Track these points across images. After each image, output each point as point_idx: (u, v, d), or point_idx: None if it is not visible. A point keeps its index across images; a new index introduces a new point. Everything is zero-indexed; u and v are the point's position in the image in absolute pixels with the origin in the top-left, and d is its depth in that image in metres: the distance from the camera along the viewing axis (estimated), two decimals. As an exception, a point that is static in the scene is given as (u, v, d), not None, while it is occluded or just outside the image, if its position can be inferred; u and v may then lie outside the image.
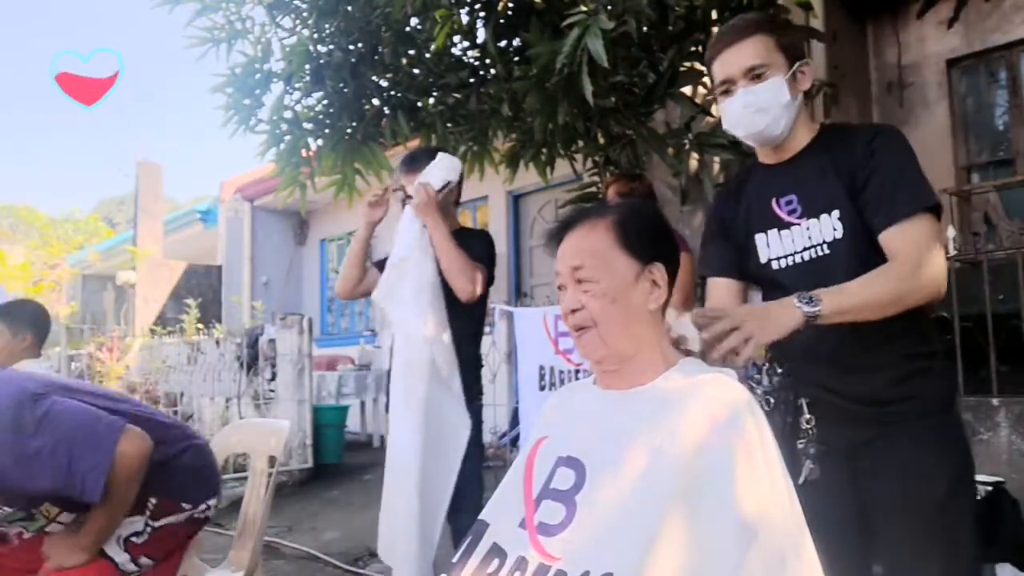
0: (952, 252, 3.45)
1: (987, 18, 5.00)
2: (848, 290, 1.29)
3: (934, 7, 3.06)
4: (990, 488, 2.40)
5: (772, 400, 1.42)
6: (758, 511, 0.96)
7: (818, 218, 1.44)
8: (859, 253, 1.39)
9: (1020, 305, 3.25)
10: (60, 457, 1.56)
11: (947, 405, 1.43)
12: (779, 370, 1.38)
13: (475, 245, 2.36)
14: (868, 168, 1.38)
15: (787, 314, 1.24)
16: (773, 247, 1.50)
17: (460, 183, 2.49)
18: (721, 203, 1.68)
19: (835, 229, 1.42)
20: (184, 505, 1.81)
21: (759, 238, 1.52)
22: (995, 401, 3.20)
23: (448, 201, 2.44)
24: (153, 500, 1.77)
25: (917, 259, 1.31)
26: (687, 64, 3.10)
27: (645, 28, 2.80)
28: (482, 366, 2.55)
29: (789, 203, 1.48)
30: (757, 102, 1.42)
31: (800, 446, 1.34)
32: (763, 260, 1.52)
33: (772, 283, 1.51)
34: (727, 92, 1.46)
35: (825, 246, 1.43)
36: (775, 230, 1.49)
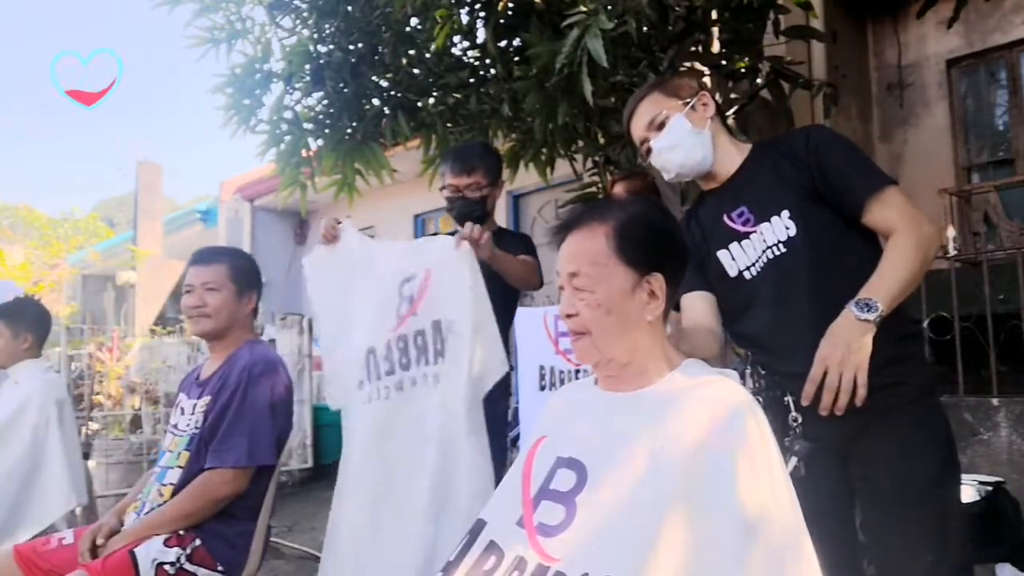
0: (952, 252, 3.45)
1: (987, 18, 5.00)
2: (888, 277, 1.35)
3: (934, 7, 3.06)
4: (990, 488, 2.40)
5: (760, 400, 1.43)
6: (758, 512, 0.96)
7: (769, 221, 1.50)
8: (815, 246, 1.45)
9: (1020, 305, 3.25)
10: (242, 419, 1.85)
11: (929, 391, 1.47)
12: (763, 371, 1.41)
13: (518, 247, 2.33)
14: (817, 166, 1.47)
15: (860, 330, 1.30)
16: (739, 259, 1.55)
17: (501, 181, 2.46)
18: (684, 228, 1.70)
19: (787, 228, 1.48)
20: (219, 567, 1.83)
21: (722, 255, 1.58)
22: (995, 401, 3.20)
23: (496, 198, 2.42)
24: (197, 542, 1.80)
25: (912, 220, 1.39)
26: (687, 64, 3.10)
27: (645, 28, 2.80)
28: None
29: (740, 215, 1.55)
30: (666, 143, 1.56)
31: (787, 443, 1.36)
32: (733, 274, 1.56)
33: (749, 293, 1.54)
34: (648, 152, 1.61)
35: (781, 245, 1.48)
36: (735, 243, 1.56)
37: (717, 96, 3.40)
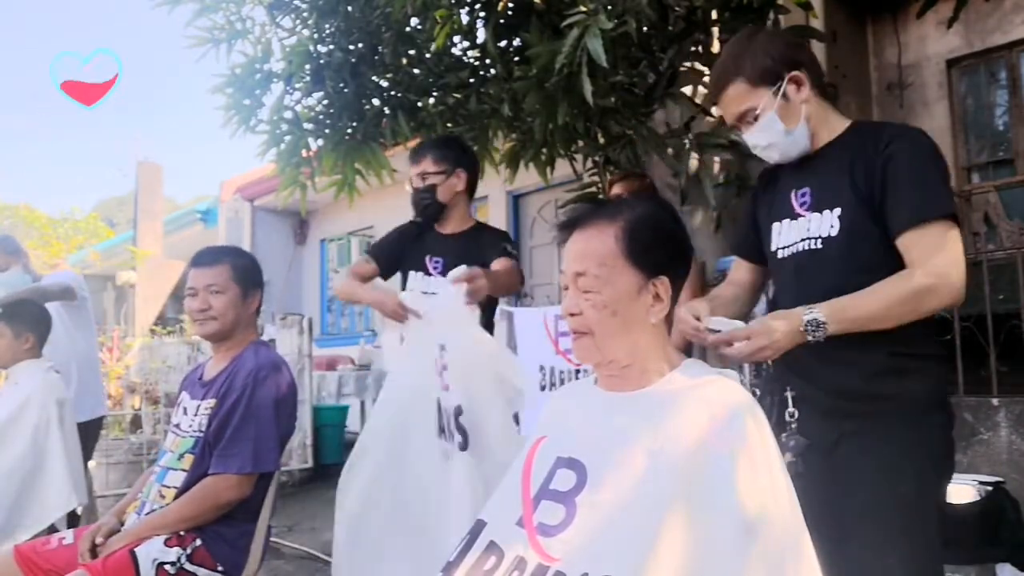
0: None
1: (987, 18, 4.99)
2: (856, 304, 1.32)
3: (934, 7, 3.05)
4: (990, 488, 2.40)
5: (757, 392, 1.44)
6: (758, 512, 0.96)
7: (821, 213, 1.47)
8: (852, 253, 1.41)
9: (1020, 305, 3.25)
10: (248, 425, 1.85)
11: (926, 407, 1.42)
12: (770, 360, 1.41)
13: (496, 247, 2.30)
14: (882, 172, 1.39)
15: (792, 339, 1.30)
16: (783, 236, 1.54)
17: (474, 174, 2.42)
18: (759, 187, 1.72)
19: (832, 226, 1.44)
20: (219, 567, 1.83)
21: (775, 227, 1.57)
22: (995, 401, 3.20)
23: (454, 188, 2.35)
24: (198, 542, 1.80)
25: (932, 267, 1.31)
26: (687, 64, 3.10)
27: (645, 28, 2.80)
28: None
29: (803, 195, 1.52)
30: (760, 141, 1.51)
31: (783, 439, 1.36)
32: (773, 248, 1.56)
33: (777, 271, 1.57)
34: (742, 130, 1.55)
35: (819, 241, 1.46)
36: (788, 220, 1.54)
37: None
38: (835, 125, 1.52)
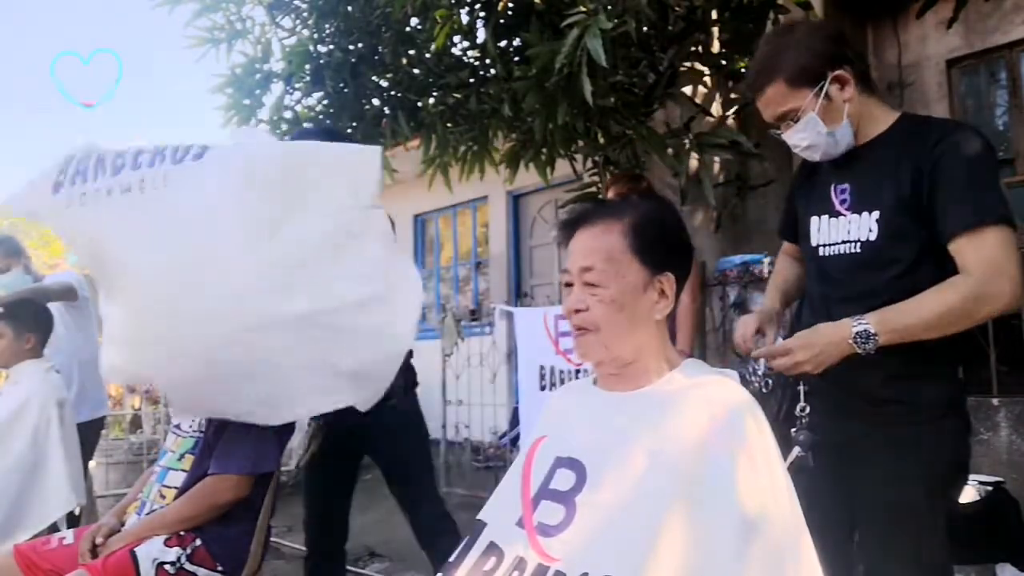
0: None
1: (987, 18, 4.99)
2: (909, 309, 1.29)
3: (934, 7, 3.06)
4: (990, 488, 2.40)
5: (770, 382, 1.43)
6: (758, 512, 0.96)
7: (860, 215, 1.44)
8: (891, 257, 1.38)
9: (1020, 305, 3.25)
10: (248, 426, 1.80)
11: (942, 412, 1.40)
12: None
13: None
14: (931, 174, 1.33)
15: (840, 351, 1.30)
16: (822, 233, 1.52)
17: None
18: (800, 175, 1.68)
19: (871, 230, 1.41)
20: (219, 567, 1.83)
21: (813, 221, 1.54)
22: (995, 401, 3.20)
23: None
24: (198, 542, 1.80)
25: (987, 272, 1.27)
26: (687, 64, 3.10)
27: (645, 28, 2.80)
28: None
29: (843, 192, 1.48)
30: (802, 142, 1.45)
31: (792, 432, 1.35)
32: (813, 243, 1.54)
33: (817, 267, 1.53)
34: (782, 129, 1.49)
35: (858, 245, 1.43)
36: (827, 216, 1.51)
37: (717, 96, 3.42)
38: (881, 119, 1.45)
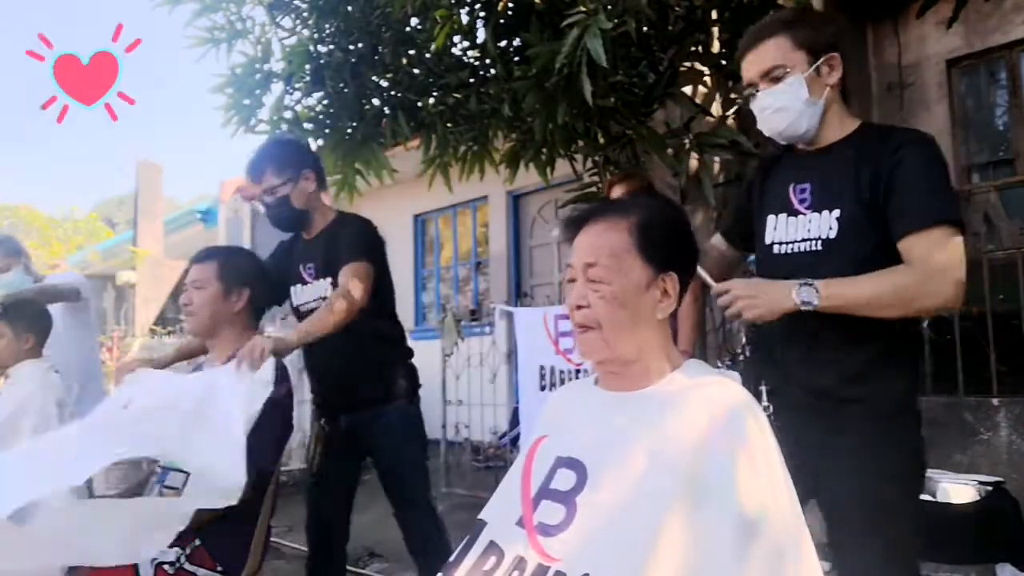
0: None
1: (987, 18, 4.99)
2: (852, 282, 1.33)
3: (934, 7, 3.06)
4: (990, 488, 2.40)
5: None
6: (758, 512, 0.96)
7: (820, 213, 1.46)
8: (851, 256, 1.41)
9: (1020, 305, 3.25)
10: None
11: (901, 408, 1.43)
12: (739, 353, 1.42)
13: (351, 249, 2.17)
14: (890, 177, 1.38)
15: (781, 299, 1.31)
16: (778, 231, 1.54)
17: (319, 169, 2.31)
18: (756, 176, 1.71)
19: (831, 228, 1.44)
20: (219, 567, 1.81)
21: (770, 219, 1.56)
22: (995, 401, 3.20)
23: (307, 191, 2.24)
24: (197, 542, 1.78)
25: (930, 267, 1.32)
26: (687, 64, 3.10)
27: (645, 28, 2.80)
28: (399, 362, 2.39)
29: (803, 191, 1.50)
30: (775, 103, 1.47)
31: None
32: (767, 241, 1.56)
33: (771, 266, 1.55)
34: (752, 95, 1.51)
35: (819, 243, 1.46)
36: (784, 215, 1.53)
37: (717, 96, 3.42)
38: (846, 124, 1.51)
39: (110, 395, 2.12)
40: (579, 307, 1.14)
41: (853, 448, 1.40)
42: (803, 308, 1.31)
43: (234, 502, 1.59)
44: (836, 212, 1.44)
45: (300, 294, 2.33)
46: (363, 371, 2.23)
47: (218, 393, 1.77)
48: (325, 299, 2.18)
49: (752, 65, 1.49)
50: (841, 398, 1.42)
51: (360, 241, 2.21)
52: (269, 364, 1.82)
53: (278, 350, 1.85)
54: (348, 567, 3.24)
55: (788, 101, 1.45)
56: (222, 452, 1.64)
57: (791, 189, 1.52)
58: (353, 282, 2.09)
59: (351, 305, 2.05)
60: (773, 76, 1.46)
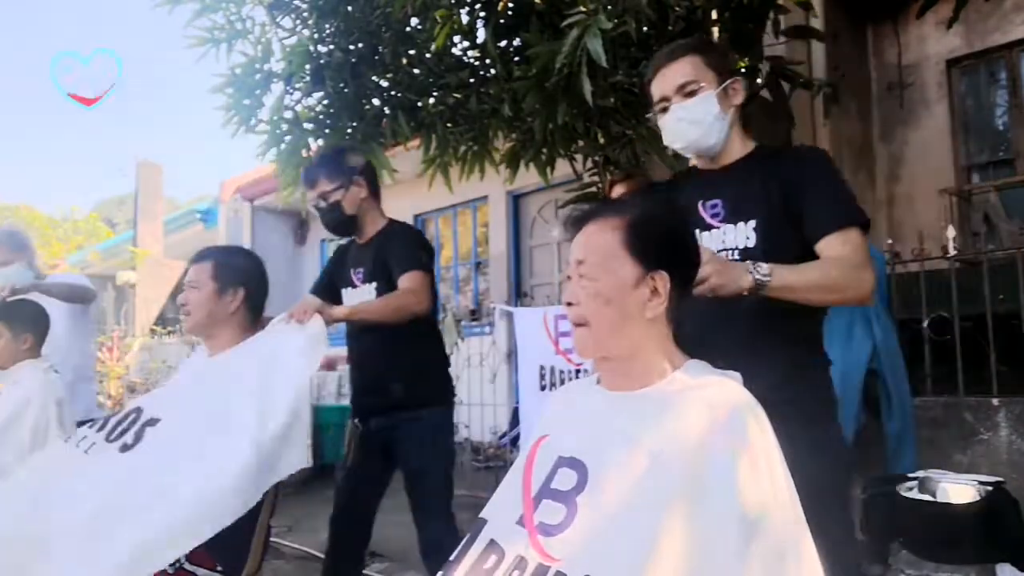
0: (952, 252, 3.45)
1: (987, 18, 5.00)
2: (793, 269, 1.38)
3: (934, 7, 3.06)
4: (990, 488, 2.40)
5: None
6: (759, 512, 0.96)
7: (736, 225, 1.53)
8: (770, 262, 1.43)
9: (1020, 305, 3.25)
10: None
11: (827, 413, 1.51)
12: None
13: (400, 248, 2.26)
14: (799, 182, 1.49)
15: (741, 275, 1.33)
16: None
17: (372, 176, 2.40)
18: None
19: (748, 238, 1.50)
20: (219, 567, 1.81)
21: None
22: (995, 401, 3.20)
23: (358, 197, 2.34)
24: None
25: (856, 261, 1.42)
26: (687, 64, 3.09)
27: (645, 28, 2.80)
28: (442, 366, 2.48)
29: (714, 207, 1.57)
30: (690, 115, 1.55)
31: None
32: None
33: None
34: (664, 110, 1.59)
35: (736, 252, 1.51)
36: (696, 230, 1.57)
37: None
38: (747, 144, 1.62)
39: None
40: (570, 304, 1.15)
41: (792, 441, 1.41)
42: (758, 287, 1.33)
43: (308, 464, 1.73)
44: (752, 222, 1.50)
45: (349, 297, 2.40)
46: (397, 374, 2.27)
47: (277, 360, 1.84)
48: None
49: (667, 80, 1.58)
50: (770, 400, 1.43)
51: (414, 251, 2.29)
52: (317, 319, 1.90)
53: (323, 313, 1.93)
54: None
55: (701, 114, 1.54)
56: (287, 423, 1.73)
57: (700, 206, 1.59)
58: (413, 289, 2.17)
59: (409, 305, 2.14)
60: (688, 91, 1.55)
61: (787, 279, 1.35)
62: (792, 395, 1.41)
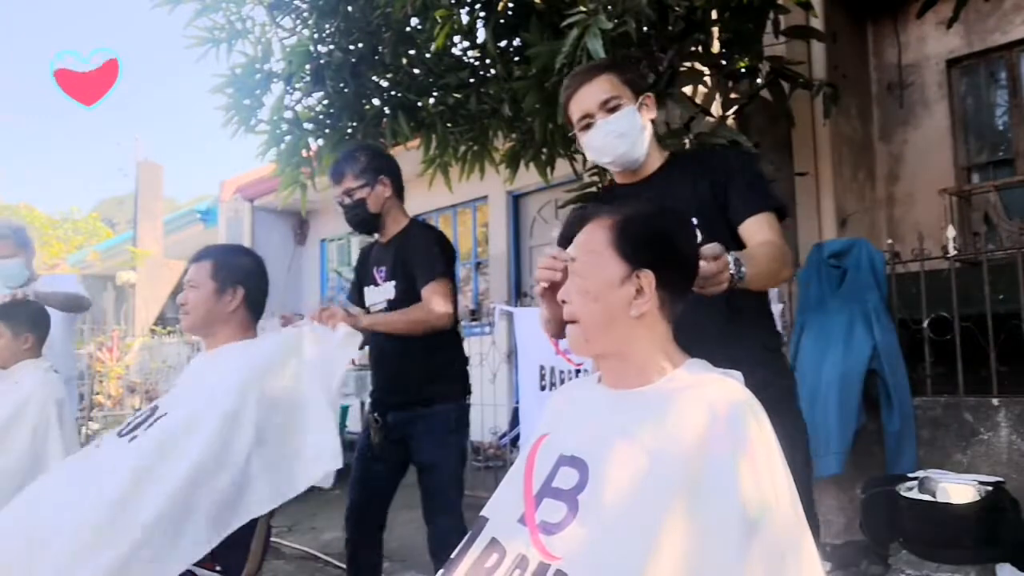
0: (952, 252, 3.45)
1: (987, 18, 5.00)
2: (754, 258, 1.41)
3: (934, 7, 3.06)
4: (990, 488, 2.40)
5: None
6: (760, 511, 0.96)
7: None
8: None
9: (1020, 305, 3.24)
10: None
11: (791, 399, 1.61)
12: None
13: (422, 254, 2.28)
14: (725, 180, 1.61)
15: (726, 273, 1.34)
16: None
17: (398, 176, 2.42)
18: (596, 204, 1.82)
19: (696, 235, 1.51)
20: (218, 568, 1.81)
21: None
22: (995, 401, 3.20)
23: (383, 196, 2.36)
24: None
25: (781, 241, 1.54)
26: (687, 64, 3.10)
27: (645, 28, 2.80)
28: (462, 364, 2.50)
29: None
30: (617, 128, 1.62)
31: None
32: None
33: None
34: (587, 127, 1.65)
35: None
36: None
37: (717, 96, 3.43)
38: (662, 155, 1.73)
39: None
40: (563, 301, 1.18)
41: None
42: (738, 281, 1.32)
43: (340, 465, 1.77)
44: (694, 220, 1.53)
45: (371, 295, 2.45)
46: (415, 372, 2.29)
47: (303, 368, 1.88)
48: (391, 301, 2.32)
49: (589, 97, 1.64)
50: (755, 384, 1.46)
51: (436, 257, 2.30)
52: (343, 327, 1.93)
53: (348, 322, 1.96)
54: (345, 567, 3.25)
55: (627, 127, 1.62)
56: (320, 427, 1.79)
57: None
58: (436, 299, 2.20)
59: (428, 319, 2.18)
60: (611, 106, 1.62)
61: (751, 269, 1.37)
62: (762, 381, 1.41)
